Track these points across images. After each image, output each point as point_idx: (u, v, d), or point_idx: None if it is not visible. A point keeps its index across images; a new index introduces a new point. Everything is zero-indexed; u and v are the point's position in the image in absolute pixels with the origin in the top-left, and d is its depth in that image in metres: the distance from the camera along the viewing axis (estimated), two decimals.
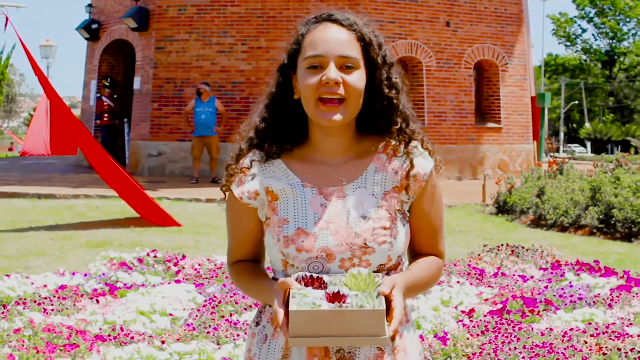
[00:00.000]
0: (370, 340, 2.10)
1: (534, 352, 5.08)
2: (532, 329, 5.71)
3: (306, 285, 2.19)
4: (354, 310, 2.08)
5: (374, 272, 2.24)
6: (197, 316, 6.12)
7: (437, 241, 2.44)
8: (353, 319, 2.08)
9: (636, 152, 20.51)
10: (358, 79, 2.28)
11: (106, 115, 21.67)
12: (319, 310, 2.08)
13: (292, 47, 2.35)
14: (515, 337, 5.41)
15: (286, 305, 2.13)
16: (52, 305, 6.34)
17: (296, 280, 2.19)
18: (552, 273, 7.87)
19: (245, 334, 5.47)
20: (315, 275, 2.21)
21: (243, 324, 5.89)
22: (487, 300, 6.69)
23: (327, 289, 2.16)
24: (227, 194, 2.41)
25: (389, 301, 2.13)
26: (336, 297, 2.12)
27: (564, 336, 5.40)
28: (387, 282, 2.16)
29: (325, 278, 2.20)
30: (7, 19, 12.12)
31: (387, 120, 2.36)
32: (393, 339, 2.29)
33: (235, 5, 19.46)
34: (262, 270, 2.44)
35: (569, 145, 52.81)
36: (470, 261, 8.46)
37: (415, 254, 2.43)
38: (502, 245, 9.14)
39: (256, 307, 2.40)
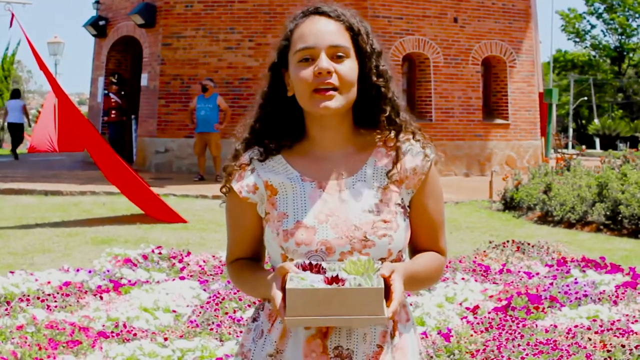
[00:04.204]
0: (368, 320, 2.07)
1: (537, 349, 5.05)
2: (536, 325, 5.68)
3: (304, 271, 2.16)
4: (351, 289, 2.05)
5: None
6: (200, 313, 6.11)
7: (438, 237, 2.40)
8: (351, 298, 2.05)
9: None
10: (350, 67, 2.26)
11: (113, 112, 21.66)
12: (317, 289, 2.05)
13: (282, 43, 2.34)
14: (519, 333, 5.38)
15: (284, 289, 2.11)
16: (56, 301, 6.33)
17: (295, 266, 2.17)
18: (557, 269, 7.84)
19: None
20: (314, 262, 2.19)
21: (246, 320, 5.87)
22: (491, 296, 6.66)
23: (325, 274, 2.14)
24: (227, 190, 2.39)
25: (388, 284, 2.10)
26: (334, 280, 2.09)
27: (567, 333, 5.38)
28: (387, 266, 2.14)
29: (324, 264, 2.18)
30: (13, 15, 12.10)
31: (377, 109, 2.33)
32: (395, 332, 2.28)
33: (241, 2, 19.44)
34: (261, 266, 2.42)
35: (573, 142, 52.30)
36: (476, 257, 8.43)
37: (415, 250, 2.40)
38: (508, 241, 9.11)
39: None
